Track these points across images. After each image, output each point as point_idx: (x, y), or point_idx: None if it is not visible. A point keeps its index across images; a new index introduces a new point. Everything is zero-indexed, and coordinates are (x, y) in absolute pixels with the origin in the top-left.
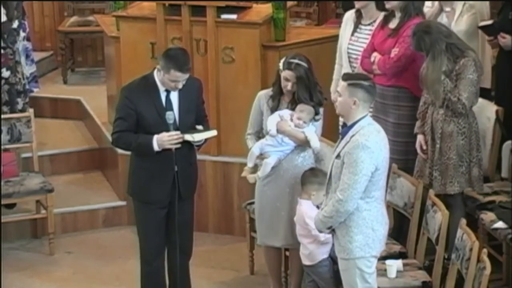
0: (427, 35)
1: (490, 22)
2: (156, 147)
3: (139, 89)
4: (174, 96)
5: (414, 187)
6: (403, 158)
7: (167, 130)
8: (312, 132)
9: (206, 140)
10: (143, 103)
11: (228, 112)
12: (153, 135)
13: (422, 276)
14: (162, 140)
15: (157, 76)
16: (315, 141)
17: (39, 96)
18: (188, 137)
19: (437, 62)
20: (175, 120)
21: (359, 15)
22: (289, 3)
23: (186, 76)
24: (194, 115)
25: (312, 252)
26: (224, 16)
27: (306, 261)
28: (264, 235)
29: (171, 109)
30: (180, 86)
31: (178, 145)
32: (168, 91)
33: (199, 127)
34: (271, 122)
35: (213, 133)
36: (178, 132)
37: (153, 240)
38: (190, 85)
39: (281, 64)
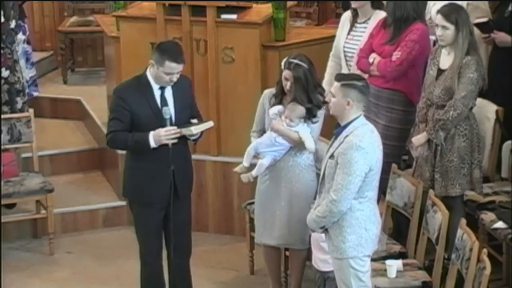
0: (464, 12)
1: (485, 19)
2: (152, 143)
3: (132, 88)
4: (169, 94)
5: (414, 187)
6: (389, 161)
7: (163, 127)
8: (307, 133)
9: (202, 133)
10: (137, 102)
11: (228, 112)
12: (149, 132)
13: (422, 276)
14: (158, 136)
15: (150, 73)
16: (310, 142)
17: (39, 96)
18: (185, 130)
19: (461, 40)
20: (171, 116)
21: (355, 14)
22: (289, 3)
23: (181, 67)
24: (189, 112)
25: None
26: (224, 16)
27: (329, 267)
28: (261, 234)
29: (167, 106)
30: (174, 79)
31: (175, 140)
32: (162, 89)
33: (194, 120)
34: (272, 111)
35: (209, 124)
36: (175, 127)
37: (153, 242)
38: (182, 83)
39: (282, 63)
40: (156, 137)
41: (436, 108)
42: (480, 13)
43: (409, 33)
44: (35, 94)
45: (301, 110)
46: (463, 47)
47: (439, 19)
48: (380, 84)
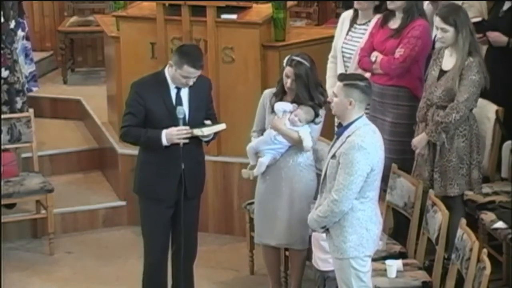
0: (462, 13)
1: (479, 19)
2: (164, 141)
3: (149, 85)
4: (185, 94)
5: (414, 187)
6: (400, 158)
7: (176, 125)
8: (307, 132)
9: (215, 135)
10: (152, 99)
11: (228, 112)
12: (162, 130)
13: (422, 276)
14: (171, 134)
15: (168, 72)
16: (308, 141)
17: (39, 96)
18: (197, 131)
19: (462, 41)
20: (185, 115)
21: (355, 15)
22: (289, 3)
23: (198, 72)
24: (204, 113)
25: None
26: (224, 16)
27: (329, 267)
28: (261, 234)
29: (181, 106)
30: (191, 83)
31: (186, 140)
32: (178, 88)
33: (208, 122)
34: (283, 104)
35: (222, 126)
36: (187, 127)
37: (158, 240)
38: (200, 83)
39: (284, 61)
40: (168, 135)
41: (436, 108)
42: (473, 12)
43: (411, 29)
44: (35, 89)
45: (312, 114)
46: (463, 48)
47: (437, 22)
48: (383, 82)
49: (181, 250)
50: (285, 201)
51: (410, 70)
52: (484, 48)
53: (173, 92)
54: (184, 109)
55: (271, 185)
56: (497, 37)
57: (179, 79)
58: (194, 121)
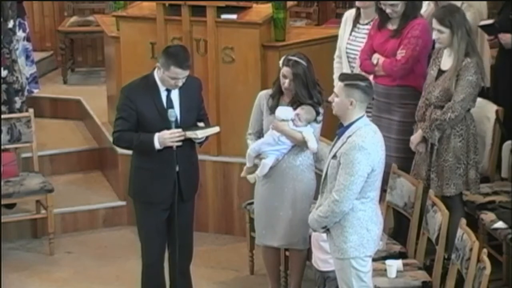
0: (458, 14)
1: (490, 21)
2: (157, 145)
3: (139, 88)
4: (175, 95)
5: (414, 187)
6: (407, 156)
7: (169, 128)
8: (310, 133)
9: (207, 137)
10: (143, 103)
11: (228, 112)
12: (155, 133)
13: (422, 276)
14: (163, 138)
15: (157, 75)
16: (313, 142)
17: (39, 96)
18: (190, 134)
19: (457, 42)
20: (176, 118)
21: (358, 15)
22: (289, 3)
23: (186, 73)
24: (195, 113)
25: None
26: (224, 16)
27: (329, 267)
28: (262, 235)
29: (172, 108)
30: (179, 83)
31: (179, 143)
32: (169, 91)
33: (200, 124)
34: (285, 111)
35: (215, 129)
36: (180, 130)
37: (155, 243)
38: (190, 84)
39: (280, 61)
40: (161, 139)
41: (434, 108)
42: (472, 12)
43: (411, 29)
44: (36, 91)
45: (313, 113)
46: (459, 48)
47: (434, 23)
48: (388, 82)
49: (178, 251)
50: (288, 201)
51: (413, 69)
52: (487, 49)
53: (164, 95)
54: (175, 112)
55: (273, 187)
56: (509, 39)
57: (167, 81)
58: (186, 123)
